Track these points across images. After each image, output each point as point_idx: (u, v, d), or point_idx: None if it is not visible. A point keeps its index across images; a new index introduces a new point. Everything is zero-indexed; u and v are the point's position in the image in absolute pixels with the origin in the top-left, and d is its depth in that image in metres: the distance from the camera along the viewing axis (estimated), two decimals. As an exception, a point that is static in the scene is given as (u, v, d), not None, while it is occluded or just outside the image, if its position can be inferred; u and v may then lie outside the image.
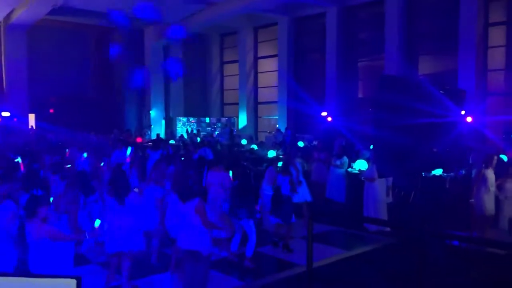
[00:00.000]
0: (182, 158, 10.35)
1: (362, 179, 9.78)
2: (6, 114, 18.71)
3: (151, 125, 23.96)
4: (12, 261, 5.30)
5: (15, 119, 18.85)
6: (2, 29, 20.32)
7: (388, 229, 8.87)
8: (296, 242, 8.20)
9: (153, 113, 24.49)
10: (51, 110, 22.10)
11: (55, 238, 4.96)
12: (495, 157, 8.58)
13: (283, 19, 22.06)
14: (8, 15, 19.55)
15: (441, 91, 4.35)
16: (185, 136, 21.96)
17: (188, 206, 5.54)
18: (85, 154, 10.00)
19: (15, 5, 18.72)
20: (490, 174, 8.43)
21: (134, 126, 24.27)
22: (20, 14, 18.98)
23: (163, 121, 24.71)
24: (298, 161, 12.57)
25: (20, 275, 2.51)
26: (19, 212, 5.54)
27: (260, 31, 24.59)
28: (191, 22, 21.46)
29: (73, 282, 2.45)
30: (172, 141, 18.70)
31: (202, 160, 9.18)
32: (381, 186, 9.21)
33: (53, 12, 18.86)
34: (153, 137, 20.41)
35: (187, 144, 12.77)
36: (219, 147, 16.55)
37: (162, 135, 21.34)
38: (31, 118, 20.96)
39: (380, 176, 8.72)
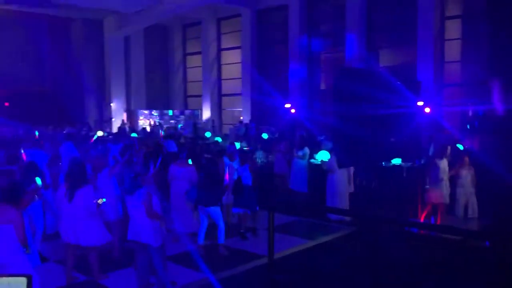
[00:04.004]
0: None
1: (325, 169, 9.90)
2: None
3: (112, 118, 23.43)
4: None
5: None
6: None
7: (348, 218, 9.04)
8: (261, 233, 8.23)
9: (114, 105, 23.94)
10: (6, 104, 21.26)
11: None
12: (449, 147, 8.91)
13: (246, 10, 21.97)
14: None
15: (398, 82, 4.44)
16: (148, 129, 21.61)
17: (134, 197, 5.50)
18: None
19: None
20: (443, 163, 8.78)
21: (94, 119, 23.72)
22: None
23: (125, 114, 24.21)
24: (260, 153, 12.69)
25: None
26: None
27: (224, 23, 24.40)
28: (152, 12, 21.03)
29: (23, 281, 2.37)
30: (134, 134, 18.34)
31: (158, 152, 9.10)
32: (342, 177, 9.34)
33: (7, 0, 18.06)
34: (115, 130, 20.00)
35: (148, 137, 12.60)
36: (182, 140, 16.39)
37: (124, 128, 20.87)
38: (-16, 112, 20.07)
39: (340, 167, 8.84)
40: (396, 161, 10.32)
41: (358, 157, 4.70)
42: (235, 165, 8.19)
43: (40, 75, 22.09)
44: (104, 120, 23.41)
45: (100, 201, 5.95)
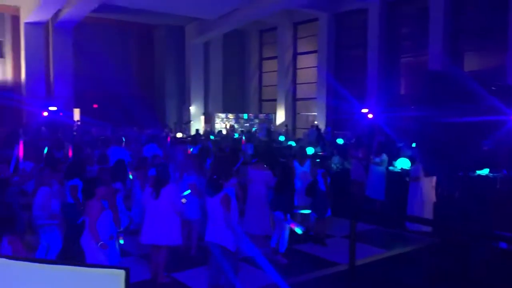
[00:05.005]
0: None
1: (407, 179, 9.51)
2: (53, 108, 19.43)
3: (191, 121, 24.30)
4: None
5: (61, 114, 19.54)
6: (50, 27, 21.11)
7: (429, 229, 8.62)
8: (337, 241, 8.11)
9: (192, 109, 24.82)
10: (95, 105, 22.79)
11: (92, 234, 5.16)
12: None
13: (323, 14, 21.83)
14: (56, 13, 20.28)
15: (492, 88, 4.17)
16: (224, 132, 22.14)
17: (214, 200, 5.56)
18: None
19: (63, 4, 19.36)
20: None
21: (174, 122, 24.74)
22: (67, 12, 19.65)
23: (202, 117, 25.03)
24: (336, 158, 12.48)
25: (68, 263, 2.47)
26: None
27: (300, 27, 24.42)
28: (231, 18, 21.57)
29: (122, 273, 2.46)
30: (212, 137, 18.88)
31: (236, 155, 9.26)
32: (427, 186, 8.91)
33: (98, 9, 19.41)
34: (193, 132, 20.70)
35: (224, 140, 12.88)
36: (257, 143, 16.55)
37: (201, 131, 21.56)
38: (76, 112, 21.69)
39: (425, 175, 8.47)
40: (484, 171, 9.67)
41: (444, 166, 4.47)
42: (306, 169, 8.15)
43: (125, 78, 23.44)
44: (184, 123, 24.33)
45: (184, 199, 6.18)
